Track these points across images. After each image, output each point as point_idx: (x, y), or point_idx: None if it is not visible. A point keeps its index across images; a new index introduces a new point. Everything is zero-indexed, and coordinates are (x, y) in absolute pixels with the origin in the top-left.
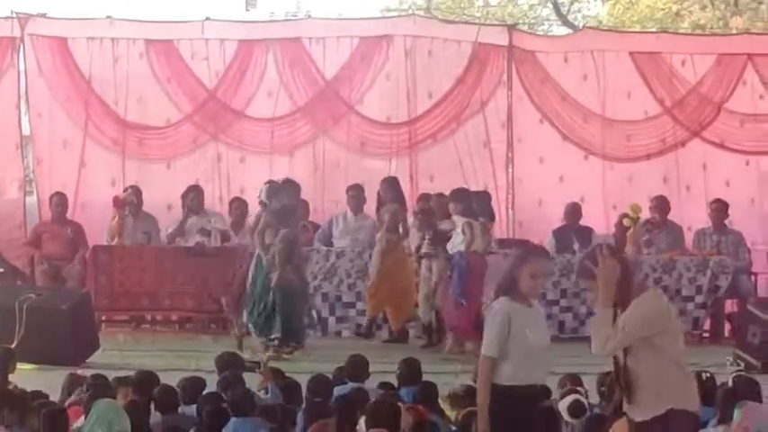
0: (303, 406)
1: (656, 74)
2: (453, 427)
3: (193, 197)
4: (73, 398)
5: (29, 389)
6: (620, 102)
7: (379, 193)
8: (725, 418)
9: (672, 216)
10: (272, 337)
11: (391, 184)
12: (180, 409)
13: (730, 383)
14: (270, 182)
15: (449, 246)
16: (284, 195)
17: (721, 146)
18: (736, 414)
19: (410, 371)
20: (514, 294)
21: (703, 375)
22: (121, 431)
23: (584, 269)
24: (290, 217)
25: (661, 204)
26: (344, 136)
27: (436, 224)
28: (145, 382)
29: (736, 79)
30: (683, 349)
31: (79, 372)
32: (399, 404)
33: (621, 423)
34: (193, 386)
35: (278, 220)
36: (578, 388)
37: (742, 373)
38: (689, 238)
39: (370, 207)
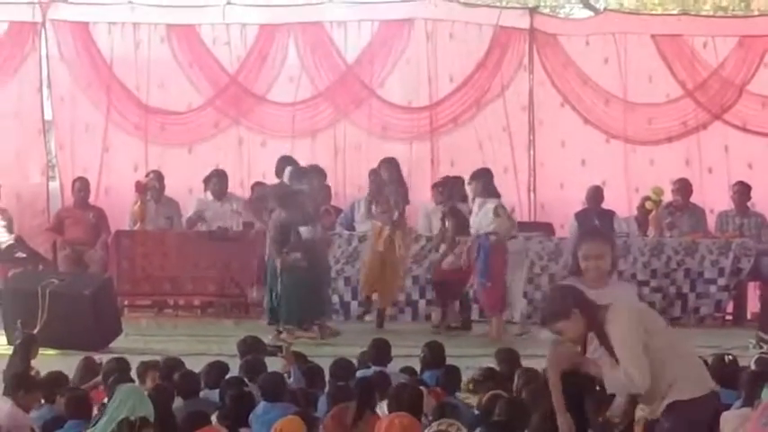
0: (326, 390)
1: (677, 56)
2: (476, 411)
3: (216, 182)
4: (90, 384)
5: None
6: (642, 85)
7: (374, 173)
8: (750, 401)
9: (694, 199)
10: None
11: (391, 164)
12: (202, 394)
13: (753, 366)
14: (294, 165)
15: (473, 228)
16: (307, 180)
17: (743, 128)
18: (765, 393)
19: (433, 354)
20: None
21: (726, 358)
22: (144, 416)
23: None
24: (289, 199)
25: (683, 187)
26: (365, 120)
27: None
28: (170, 367)
29: (758, 61)
30: (673, 333)
31: (96, 357)
32: (422, 388)
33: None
34: (216, 371)
35: (278, 202)
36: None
37: (765, 355)
38: (711, 221)
39: None
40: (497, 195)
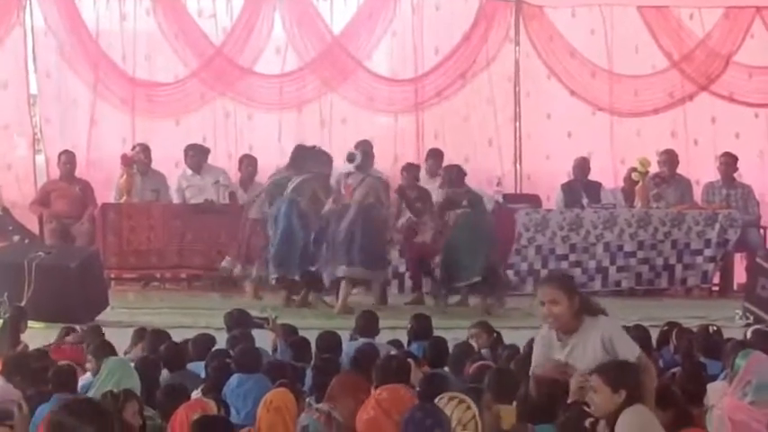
0: (312, 363)
1: (663, 28)
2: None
3: (192, 155)
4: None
5: (37, 347)
6: (628, 56)
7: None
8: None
9: (680, 170)
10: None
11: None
12: (189, 366)
13: (749, 337)
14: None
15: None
16: (312, 163)
17: (730, 99)
18: (738, 364)
19: (421, 326)
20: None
21: (710, 329)
22: (129, 388)
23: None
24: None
25: (670, 158)
26: (352, 92)
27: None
28: (157, 339)
29: (745, 32)
30: None
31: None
32: (409, 360)
33: None
34: (203, 343)
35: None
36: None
37: (757, 326)
38: (698, 192)
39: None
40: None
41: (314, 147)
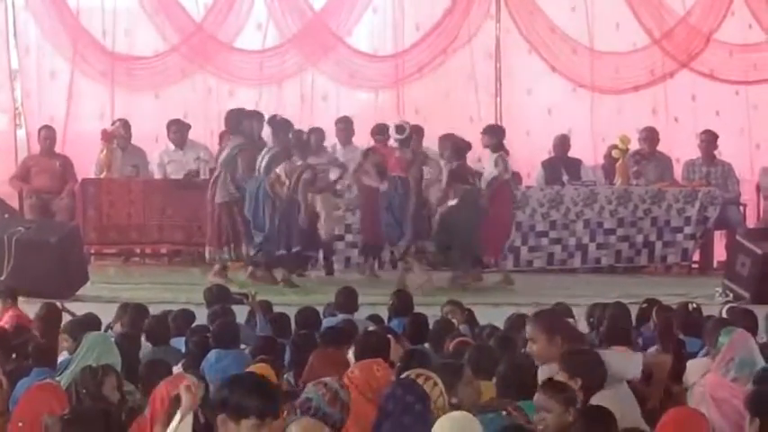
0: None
1: (644, 5)
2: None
3: (175, 130)
4: None
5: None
6: (609, 33)
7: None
8: (714, 349)
9: (661, 147)
10: None
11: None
12: (172, 342)
13: (724, 314)
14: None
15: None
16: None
17: (711, 76)
18: (721, 342)
19: (401, 303)
20: None
21: (690, 306)
22: (109, 363)
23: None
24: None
25: (650, 135)
26: (333, 68)
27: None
28: (137, 314)
29: (726, 9)
30: None
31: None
32: (389, 336)
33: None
34: (183, 318)
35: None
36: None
37: (733, 304)
38: (678, 170)
39: (358, 139)
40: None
41: (244, 109)
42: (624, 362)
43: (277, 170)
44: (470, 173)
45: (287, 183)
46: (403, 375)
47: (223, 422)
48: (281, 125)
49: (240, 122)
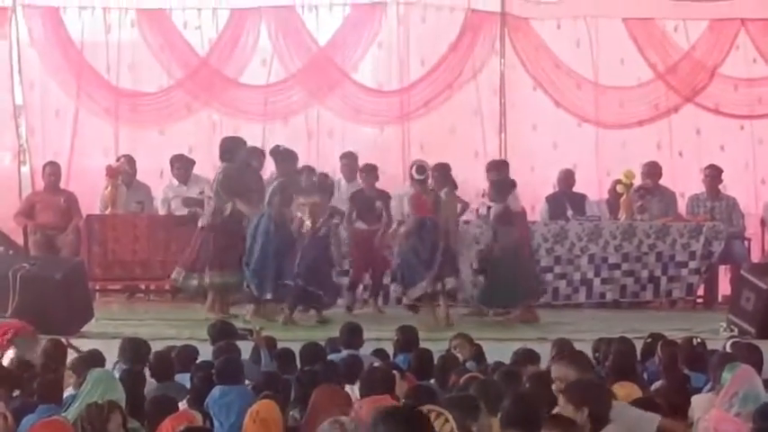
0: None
1: (648, 40)
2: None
3: (178, 166)
4: None
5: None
6: (613, 68)
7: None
8: (719, 384)
9: (665, 182)
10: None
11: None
12: (177, 378)
13: (729, 349)
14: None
15: None
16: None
17: (716, 111)
18: (725, 377)
19: (406, 338)
20: None
21: (694, 341)
22: (113, 400)
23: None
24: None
25: (653, 170)
26: (339, 104)
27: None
28: (138, 350)
29: (730, 44)
30: None
31: (63, 340)
32: (394, 371)
33: (624, 385)
34: (186, 354)
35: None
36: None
37: (737, 339)
38: (682, 204)
39: None
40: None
41: (239, 138)
42: (640, 420)
43: (299, 211)
44: (512, 214)
45: (308, 222)
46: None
47: None
48: (284, 156)
49: (231, 150)
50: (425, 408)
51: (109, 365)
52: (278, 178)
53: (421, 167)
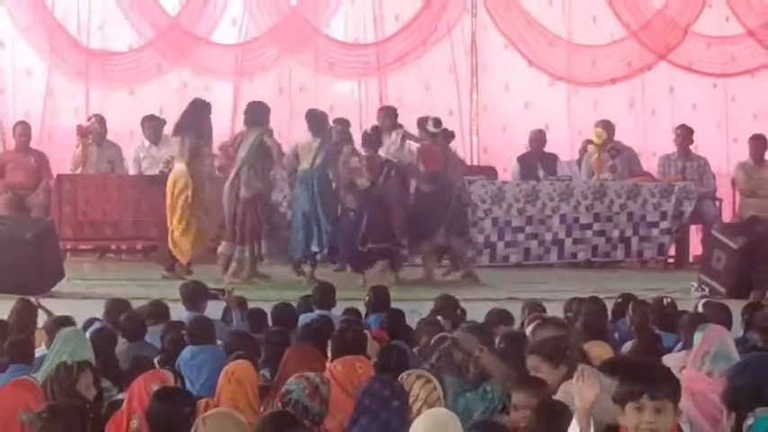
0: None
1: None
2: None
3: (149, 126)
4: None
5: None
6: (586, 26)
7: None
8: (689, 343)
9: (637, 141)
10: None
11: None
12: (148, 337)
13: (700, 309)
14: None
15: None
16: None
17: (689, 68)
18: (697, 337)
19: (378, 298)
20: None
21: (664, 301)
22: (83, 359)
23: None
24: None
25: (608, 127)
26: (311, 59)
27: None
28: (115, 309)
29: (702, 2)
30: None
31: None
32: (365, 331)
33: (595, 344)
34: (158, 311)
35: None
36: (543, 314)
37: (708, 298)
38: (654, 163)
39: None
40: None
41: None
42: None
43: (351, 163)
44: None
45: (366, 176)
46: (403, 375)
47: None
48: (320, 118)
49: (263, 116)
50: (415, 372)
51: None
52: (321, 141)
53: (438, 120)
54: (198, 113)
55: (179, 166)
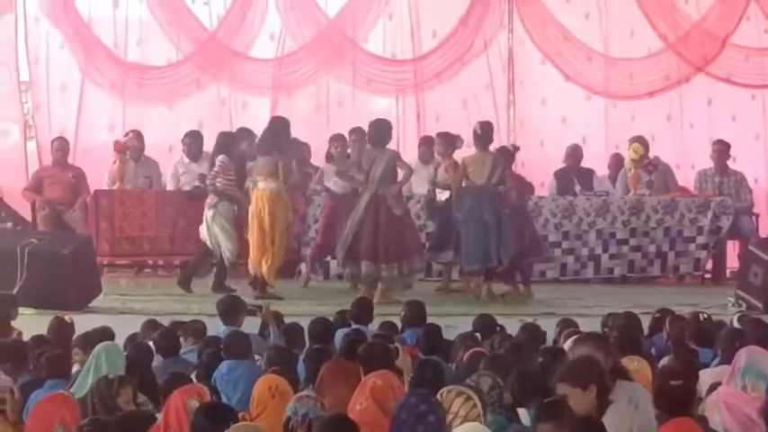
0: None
1: (658, 10)
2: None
3: (189, 142)
4: None
5: (30, 333)
6: (623, 39)
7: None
8: (727, 359)
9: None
10: None
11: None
12: (183, 354)
13: (736, 325)
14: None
15: None
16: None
17: (727, 80)
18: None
19: (414, 313)
20: None
21: (701, 316)
22: (123, 375)
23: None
24: None
25: (642, 142)
26: (350, 73)
27: None
28: (149, 327)
29: (741, 13)
30: None
31: (66, 318)
32: (396, 345)
33: (632, 359)
34: (195, 330)
35: None
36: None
37: (745, 314)
38: (692, 177)
39: None
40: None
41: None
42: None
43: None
44: None
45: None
46: (443, 391)
47: None
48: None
49: (386, 135)
50: (455, 389)
51: (118, 341)
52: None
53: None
54: (280, 131)
55: (273, 186)
